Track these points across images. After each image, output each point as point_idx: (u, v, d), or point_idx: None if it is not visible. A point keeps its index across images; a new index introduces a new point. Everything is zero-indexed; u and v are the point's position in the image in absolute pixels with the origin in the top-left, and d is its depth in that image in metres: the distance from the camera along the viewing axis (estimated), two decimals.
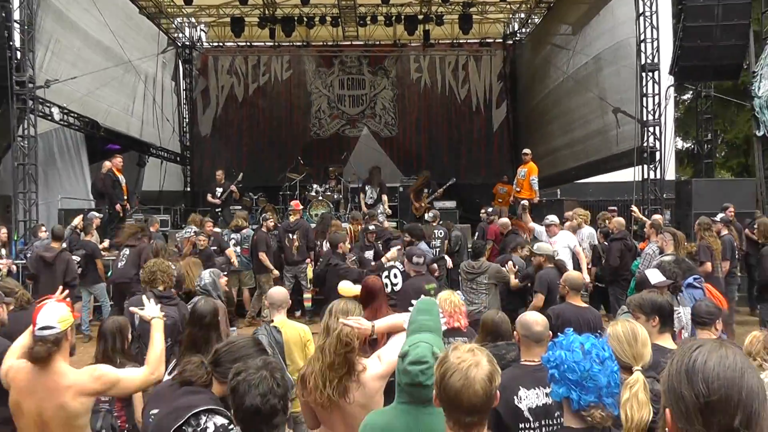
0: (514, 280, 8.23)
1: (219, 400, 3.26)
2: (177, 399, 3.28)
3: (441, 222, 12.33)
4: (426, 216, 13.24)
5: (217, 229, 12.08)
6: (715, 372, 1.38)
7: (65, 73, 14.21)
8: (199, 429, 3.05)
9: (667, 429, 1.45)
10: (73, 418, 3.41)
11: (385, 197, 16.03)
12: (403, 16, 20.50)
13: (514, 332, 3.97)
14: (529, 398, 3.53)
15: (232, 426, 3.04)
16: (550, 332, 3.73)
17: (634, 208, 12.03)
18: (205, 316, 4.43)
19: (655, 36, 13.70)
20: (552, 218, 10.11)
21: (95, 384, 3.48)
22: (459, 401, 2.20)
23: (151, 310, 4.15)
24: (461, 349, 2.31)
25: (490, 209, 13.22)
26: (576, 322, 5.31)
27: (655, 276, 4.87)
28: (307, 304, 11.74)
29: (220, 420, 3.07)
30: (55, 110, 13.91)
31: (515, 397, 3.49)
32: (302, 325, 5.69)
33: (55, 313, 3.44)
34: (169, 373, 3.92)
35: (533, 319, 3.77)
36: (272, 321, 5.46)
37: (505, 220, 11.59)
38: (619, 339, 3.17)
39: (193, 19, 22.27)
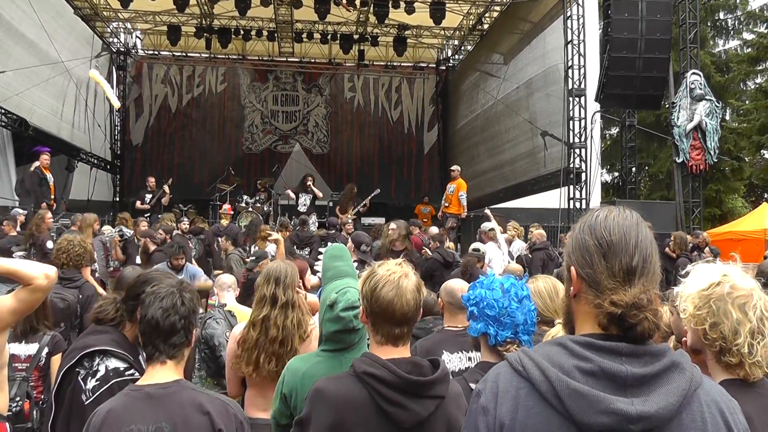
0: None
1: (125, 341, 3.08)
2: (80, 339, 3.15)
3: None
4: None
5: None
6: (615, 221, 1.54)
7: None
8: (91, 371, 2.91)
9: (572, 289, 1.57)
10: None
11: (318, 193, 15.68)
12: (338, 35, 20.79)
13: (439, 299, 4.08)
14: (452, 362, 3.62)
15: (129, 370, 2.91)
16: None
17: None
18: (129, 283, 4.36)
19: (582, 63, 14.22)
20: (485, 225, 10.42)
21: None
22: (392, 311, 2.24)
23: None
24: (388, 263, 2.38)
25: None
26: None
27: None
28: None
29: (114, 363, 2.92)
30: None
31: None
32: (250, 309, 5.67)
33: None
34: None
35: (458, 286, 3.87)
36: (224, 305, 5.44)
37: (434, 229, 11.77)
38: (541, 294, 3.24)
39: (129, 25, 21.93)
